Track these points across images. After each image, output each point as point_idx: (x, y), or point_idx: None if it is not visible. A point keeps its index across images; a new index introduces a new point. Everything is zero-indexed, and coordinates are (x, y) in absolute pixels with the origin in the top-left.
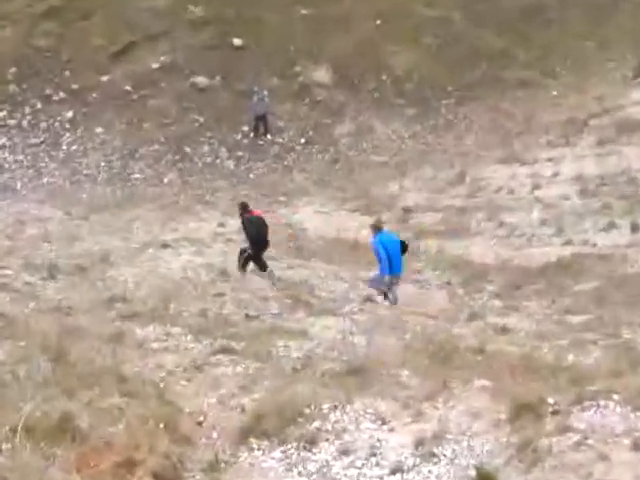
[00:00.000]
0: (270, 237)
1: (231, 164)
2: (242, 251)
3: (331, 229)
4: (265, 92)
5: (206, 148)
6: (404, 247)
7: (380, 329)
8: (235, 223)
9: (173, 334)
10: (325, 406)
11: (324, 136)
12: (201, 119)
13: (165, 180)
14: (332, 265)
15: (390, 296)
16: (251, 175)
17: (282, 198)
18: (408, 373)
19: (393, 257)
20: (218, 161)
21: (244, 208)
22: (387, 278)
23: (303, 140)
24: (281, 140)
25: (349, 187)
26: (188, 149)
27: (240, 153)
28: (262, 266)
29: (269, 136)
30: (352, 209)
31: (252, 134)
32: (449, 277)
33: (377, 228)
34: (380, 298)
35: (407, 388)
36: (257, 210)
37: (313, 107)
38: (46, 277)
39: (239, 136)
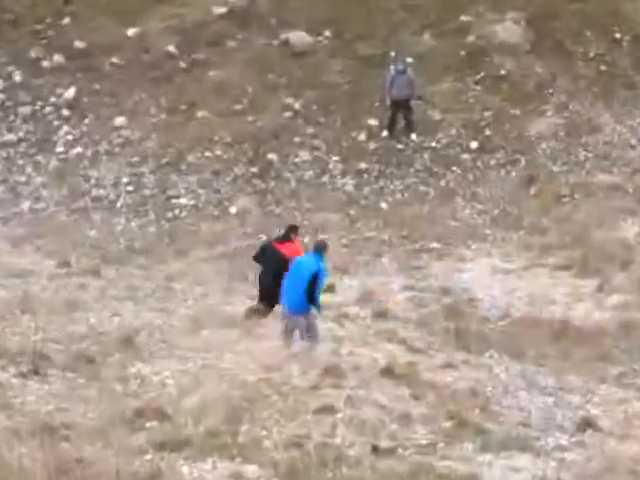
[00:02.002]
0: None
1: (349, 183)
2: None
3: (521, 300)
4: (409, 61)
5: (305, 155)
6: (311, 280)
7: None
8: (354, 285)
9: (247, 478)
10: None
11: (511, 138)
12: (297, 105)
13: (232, 209)
14: (523, 363)
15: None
16: (383, 204)
17: (435, 244)
18: None
19: (290, 286)
20: (325, 178)
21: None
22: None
23: (474, 144)
24: (435, 144)
25: (554, 227)
26: (273, 156)
27: (364, 165)
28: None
29: (414, 136)
30: (559, 266)
31: (386, 132)
32: None
33: (316, 248)
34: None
35: None
36: (295, 243)
37: (493, 87)
38: (27, 373)
39: (362, 135)
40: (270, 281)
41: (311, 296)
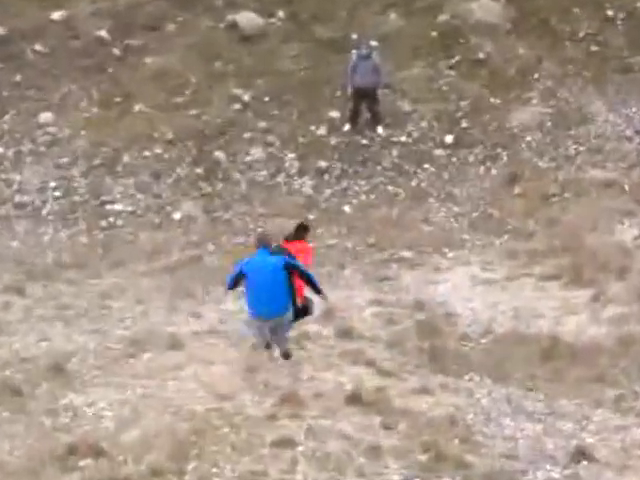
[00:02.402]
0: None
1: (307, 184)
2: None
3: (505, 314)
4: (374, 44)
5: (257, 153)
6: (289, 269)
7: None
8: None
9: None
10: None
11: (491, 130)
12: (246, 96)
13: (175, 216)
14: (508, 386)
15: (276, 350)
16: (346, 207)
17: (406, 253)
18: None
19: (261, 291)
20: (280, 178)
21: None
22: (255, 322)
23: (450, 138)
24: (405, 138)
25: (541, 231)
26: (221, 155)
27: (324, 163)
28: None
29: (381, 130)
30: (547, 275)
31: (348, 126)
32: None
33: (257, 242)
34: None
35: None
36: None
37: (469, 73)
38: None
39: (322, 130)
40: None
41: (309, 281)
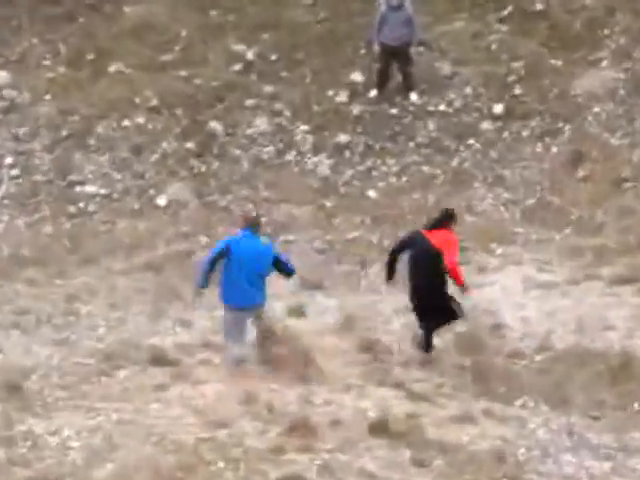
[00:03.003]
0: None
1: (323, 164)
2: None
3: (566, 326)
4: (409, 5)
5: (262, 124)
6: (278, 266)
7: None
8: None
9: None
10: None
11: (551, 98)
12: (249, 54)
13: (161, 201)
14: (568, 414)
15: (236, 350)
16: (371, 192)
17: None
18: None
19: (241, 276)
20: (291, 156)
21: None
22: (228, 313)
23: (499, 108)
24: (445, 107)
25: (611, 224)
26: (217, 126)
27: (344, 138)
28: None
29: (415, 97)
30: (618, 278)
31: (375, 91)
32: None
33: (245, 222)
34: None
35: None
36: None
37: (524, 27)
38: None
39: (342, 96)
40: (423, 285)
41: (286, 269)
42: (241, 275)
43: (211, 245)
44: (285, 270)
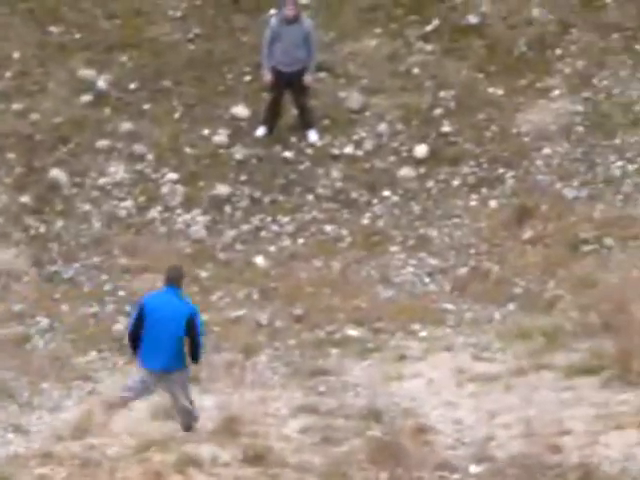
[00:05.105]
0: None
1: (198, 222)
2: None
3: (510, 429)
4: (305, 1)
5: (119, 172)
6: (189, 327)
7: None
8: None
9: None
10: None
11: (487, 137)
12: (101, 81)
13: None
14: None
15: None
16: (258, 259)
17: (353, 331)
18: None
19: (156, 337)
20: (155, 212)
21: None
22: (141, 375)
23: (423, 149)
24: (354, 150)
25: (567, 297)
26: (60, 174)
27: (225, 190)
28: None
29: (314, 136)
30: (577, 367)
31: (263, 129)
32: None
33: (169, 279)
34: None
35: None
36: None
37: (455, 46)
38: None
39: (221, 136)
40: None
41: (195, 347)
42: (152, 334)
43: (52, 329)
44: (194, 345)
